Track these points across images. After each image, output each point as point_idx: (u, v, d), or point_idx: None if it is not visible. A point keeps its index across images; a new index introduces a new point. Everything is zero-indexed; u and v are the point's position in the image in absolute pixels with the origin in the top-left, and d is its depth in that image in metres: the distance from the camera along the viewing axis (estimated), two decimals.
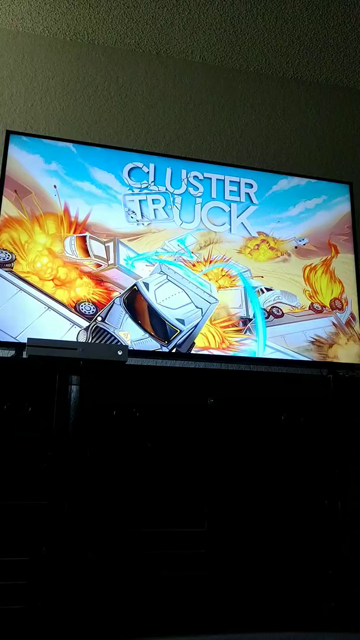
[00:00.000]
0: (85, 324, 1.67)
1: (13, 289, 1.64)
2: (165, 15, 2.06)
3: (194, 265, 1.82)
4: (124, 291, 1.73)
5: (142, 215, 1.82)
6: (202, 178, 1.92)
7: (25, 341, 1.47)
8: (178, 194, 1.88)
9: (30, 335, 1.58)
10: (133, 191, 1.84)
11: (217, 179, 1.93)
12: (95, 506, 1.37)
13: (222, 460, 1.48)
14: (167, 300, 1.76)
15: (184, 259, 1.82)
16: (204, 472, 1.46)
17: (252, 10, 2.04)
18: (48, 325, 1.63)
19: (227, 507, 1.45)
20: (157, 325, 1.73)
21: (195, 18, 2.08)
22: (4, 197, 1.69)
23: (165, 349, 1.71)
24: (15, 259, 1.66)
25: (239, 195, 1.94)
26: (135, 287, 1.75)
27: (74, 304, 1.68)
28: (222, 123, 2.27)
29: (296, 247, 1.94)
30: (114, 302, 1.71)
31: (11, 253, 1.66)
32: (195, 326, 1.75)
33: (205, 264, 1.84)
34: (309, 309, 1.88)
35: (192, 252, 1.84)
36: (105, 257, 1.75)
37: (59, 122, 2.10)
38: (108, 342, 1.66)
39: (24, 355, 1.52)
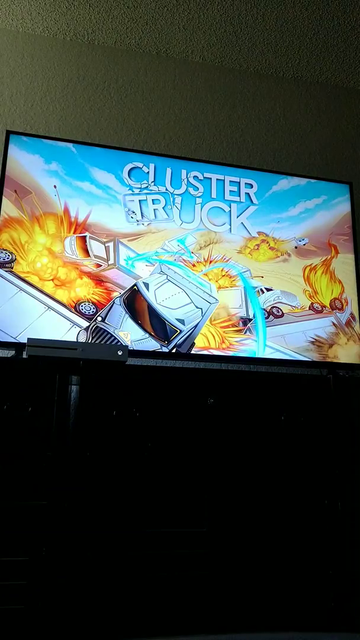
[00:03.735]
0: (85, 324, 1.67)
1: (13, 289, 1.64)
2: (165, 15, 2.06)
3: (194, 265, 1.82)
4: (124, 291, 1.73)
5: (142, 215, 1.82)
6: (202, 178, 1.92)
7: (25, 341, 1.47)
8: (178, 194, 1.88)
9: (30, 335, 1.58)
10: (133, 191, 1.84)
11: (217, 179, 1.93)
12: (95, 506, 1.37)
13: (222, 461, 1.48)
14: (167, 300, 1.76)
15: (184, 259, 1.82)
16: (204, 472, 1.46)
17: (252, 10, 2.04)
18: (48, 325, 1.63)
19: (227, 507, 1.45)
20: (157, 325, 1.73)
21: (195, 18, 2.08)
22: (4, 197, 1.69)
23: (165, 349, 1.71)
24: (15, 259, 1.66)
25: (239, 195, 1.94)
26: (135, 287, 1.75)
27: (74, 304, 1.68)
28: (222, 123, 2.27)
29: (296, 247, 1.94)
30: (114, 302, 1.71)
31: (11, 253, 1.66)
32: (195, 326, 1.75)
33: (205, 264, 1.84)
34: (309, 309, 1.88)
35: (192, 252, 1.84)
36: (105, 257, 1.75)
37: (59, 122, 2.10)
38: (108, 342, 1.66)
39: (24, 355, 1.52)
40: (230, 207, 1.92)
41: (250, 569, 1.43)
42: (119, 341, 1.67)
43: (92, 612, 1.32)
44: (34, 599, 1.29)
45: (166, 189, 1.87)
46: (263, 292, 1.86)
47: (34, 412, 1.38)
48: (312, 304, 1.89)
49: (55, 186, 1.76)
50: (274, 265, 1.90)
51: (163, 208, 1.85)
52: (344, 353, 1.85)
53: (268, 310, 1.84)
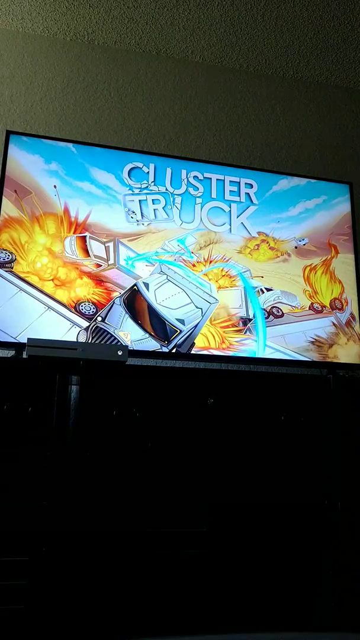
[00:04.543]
0: (85, 324, 1.67)
1: (13, 289, 1.64)
2: (165, 15, 2.06)
3: (194, 265, 1.82)
4: (124, 291, 1.73)
5: (142, 215, 1.82)
6: (202, 178, 1.92)
7: (25, 341, 1.47)
8: (178, 194, 1.88)
9: (30, 335, 1.58)
10: (133, 191, 1.84)
11: (217, 179, 1.93)
12: (95, 506, 1.37)
13: (222, 461, 1.48)
14: (167, 300, 1.76)
15: (184, 259, 1.82)
16: (204, 472, 1.46)
17: (252, 10, 2.04)
18: (48, 325, 1.63)
19: (227, 507, 1.45)
20: (157, 325, 1.73)
21: (195, 18, 2.07)
22: (4, 197, 1.69)
23: (165, 349, 1.71)
24: (15, 259, 1.66)
25: (239, 195, 1.94)
26: (135, 287, 1.75)
27: (74, 304, 1.68)
28: (222, 123, 2.27)
29: (296, 247, 1.94)
30: (114, 302, 1.71)
31: (11, 253, 1.66)
32: (195, 326, 1.75)
33: (205, 264, 1.84)
34: (309, 309, 1.88)
35: (192, 252, 1.84)
36: (105, 257, 1.75)
37: (59, 122, 2.10)
38: (108, 342, 1.66)
39: (24, 355, 1.52)
40: (230, 207, 1.92)
41: (250, 569, 1.43)
42: (119, 341, 1.67)
43: (92, 612, 1.32)
44: (34, 599, 1.29)
45: (166, 189, 1.87)
46: (263, 292, 1.86)
47: (34, 412, 1.38)
48: (312, 304, 1.89)
49: (55, 186, 1.76)
50: (274, 265, 1.90)
51: (163, 208, 1.85)
52: (344, 353, 1.85)
53: (268, 310, 1.84)
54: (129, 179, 1.84)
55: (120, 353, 1.48)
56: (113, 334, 1.68)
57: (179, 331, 1.73)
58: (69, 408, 1.41)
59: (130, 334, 1.69)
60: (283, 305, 1.86)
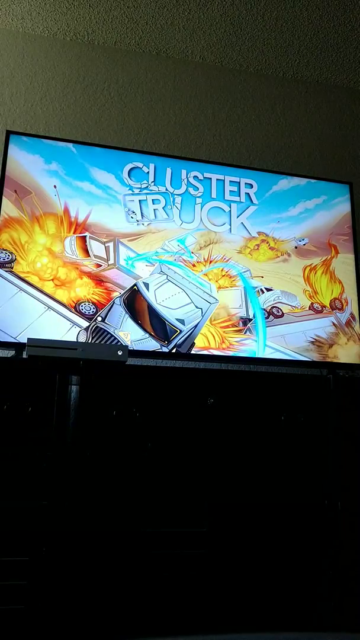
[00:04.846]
0: (85, 324, 1.67)
1: (13, 289, 1.64)
2: (165, 15, 2.06)
3: (194, 265, 1.82)
4: (124, 291, 1.73)
5: (142, 215, 1.82)
6: (202, 178, 1.92)
7: (25, 341, 1.47)
8: (178, 194, 1.88)
9: (30, 335, 1.58)
10: (133, 191, 1.84)
11: (217, 179, 1.93)
12: (95, 506, 1.37)
13: (222, 461, 1.48)
14: (167, 300, 1.76)
15: (184, 259, 1.82)
16: (204, 472, 1.46)
17: (252, 10, 2.04)
18: (48, 325, 1.63)
19: (227, 507, 1.45)
20: (157, 325, 1.73)
21: (195, 18, 2.07)
22: (4, 197, 1.69)
23: (165, 349, 1.71)
24: (15, 259, 1.66)
25: (239, 195, 1.94)
26: (135, 287, 1.75)
27: (74, 304, 1.68)
28: (222, 123, 2.27)
29: (296, 247, 1.94)
30: (114, 302, 1.71)
31: (11, 253, 1.66)
32: (195, 326, 1.75)
33: (205, 264, 1.84)
34: (309, 309, 1.88)
35: (192, 252, 1.84)
36: (105, 257, 1.75)
37: (59, 122, 2.10)
38: (108, 342, 1.66)
39: (24, 355, 1.52)
40: (230, 207, 1.92)
41: (250, 569, 1.43)
42: (119, 341, 1.67)
43: (92, 612, 1.32)
44: (34, 599, 1.29)
45: (166, 189, 1.87)
46: (263, 292, 1.86)
47: (34, 412, 1.38)
48: (312, 304, 1.89)
49: (55, 186, 1.76)
50: (274, 265, 1.90)
51: (163, 208, 1.85)
52: (344, 353, 1.85)
53: (268, 310, 1.84)
54: (129, 179, 1.84)
55: (120, 353, 1.48)
56: (113, 334, 1.68)
57: (179, 331, 1.73)
58: (69, 408, 1.41)
59: (130, 334, 1.69)
60: (283, 305, 1.86)
